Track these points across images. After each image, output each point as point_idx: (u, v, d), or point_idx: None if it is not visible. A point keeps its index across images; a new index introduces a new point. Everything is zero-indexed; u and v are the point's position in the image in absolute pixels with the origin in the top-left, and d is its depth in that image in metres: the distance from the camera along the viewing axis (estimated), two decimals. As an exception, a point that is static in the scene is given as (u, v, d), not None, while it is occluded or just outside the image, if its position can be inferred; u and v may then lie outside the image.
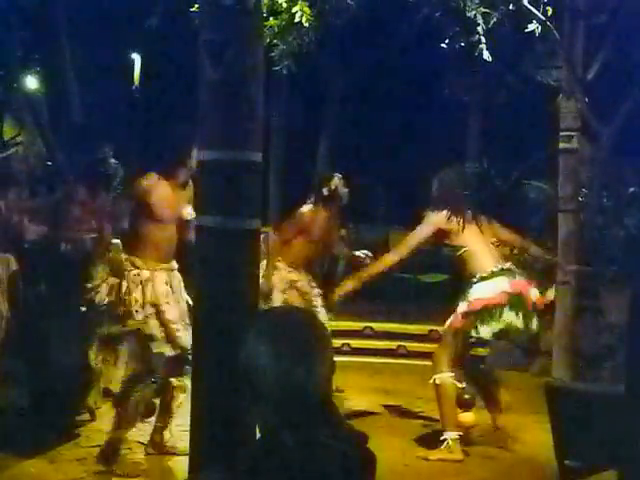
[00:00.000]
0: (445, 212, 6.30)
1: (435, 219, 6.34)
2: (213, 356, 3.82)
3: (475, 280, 6.18)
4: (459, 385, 6.29)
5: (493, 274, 6.17)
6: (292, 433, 1.84)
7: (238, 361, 1.95)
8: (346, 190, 7.44)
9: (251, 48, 3.91)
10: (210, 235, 3.93)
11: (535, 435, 6.47)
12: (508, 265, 6.36)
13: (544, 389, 5.56)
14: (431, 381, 6.23)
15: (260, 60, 3.98)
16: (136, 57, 15.69)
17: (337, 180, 7.39)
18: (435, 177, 6.59)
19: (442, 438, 6.10)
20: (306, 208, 7.39)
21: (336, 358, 1.99)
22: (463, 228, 6.25)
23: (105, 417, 6.46)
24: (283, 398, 1.87)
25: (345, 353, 9.05)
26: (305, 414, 1.87)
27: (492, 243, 6.47)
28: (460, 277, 6.49)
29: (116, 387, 7.17)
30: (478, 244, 6.32)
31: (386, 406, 7.63)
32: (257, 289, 4.33)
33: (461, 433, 6.17)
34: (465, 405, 6.50)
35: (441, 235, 6.39)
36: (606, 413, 4.77)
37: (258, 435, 1.99)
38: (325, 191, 7.34)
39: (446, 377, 6.18)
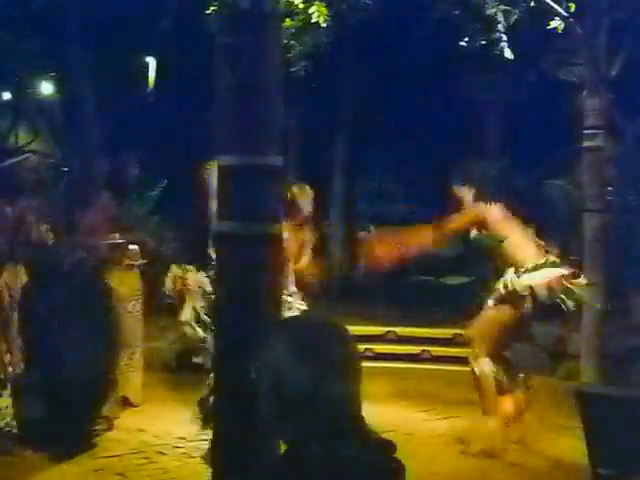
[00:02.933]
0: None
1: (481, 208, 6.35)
2: (233, 362, 3.76)
3: (523, 270, 6.14)
4: (497, 372, 6.27)
5: (540, 265, 6.14)
6: (320, 444, 1.80)
7: (262, 371, 1.88)
8: (306, 200, 6.75)
9: (269, 51, 3.85)
10: (230, 240, 3.89)
11: (562, 442, 6.33)
12: (553, 258, 6.33)
13: (575, 395, 5.43)
14: (471, 368, 6.27)
15: (278, 63, 3.94)
16: (151, 60, 15.65)
17: (294, 190, 6.75)
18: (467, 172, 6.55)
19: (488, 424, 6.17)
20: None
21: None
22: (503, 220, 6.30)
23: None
24: (311, 410, 1.82)
25: (368, 358, 8.90)
26: (333, 425, 1.82)
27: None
28: (498, 268, 6.43)
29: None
30: (519, 236, 6.31)
31: (410, 412, 7.51)
32: (279, 294, 4.28)
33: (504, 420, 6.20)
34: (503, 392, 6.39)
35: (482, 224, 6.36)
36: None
37: (281, 446, 1.92)
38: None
39: (485, 366, 6.20)
